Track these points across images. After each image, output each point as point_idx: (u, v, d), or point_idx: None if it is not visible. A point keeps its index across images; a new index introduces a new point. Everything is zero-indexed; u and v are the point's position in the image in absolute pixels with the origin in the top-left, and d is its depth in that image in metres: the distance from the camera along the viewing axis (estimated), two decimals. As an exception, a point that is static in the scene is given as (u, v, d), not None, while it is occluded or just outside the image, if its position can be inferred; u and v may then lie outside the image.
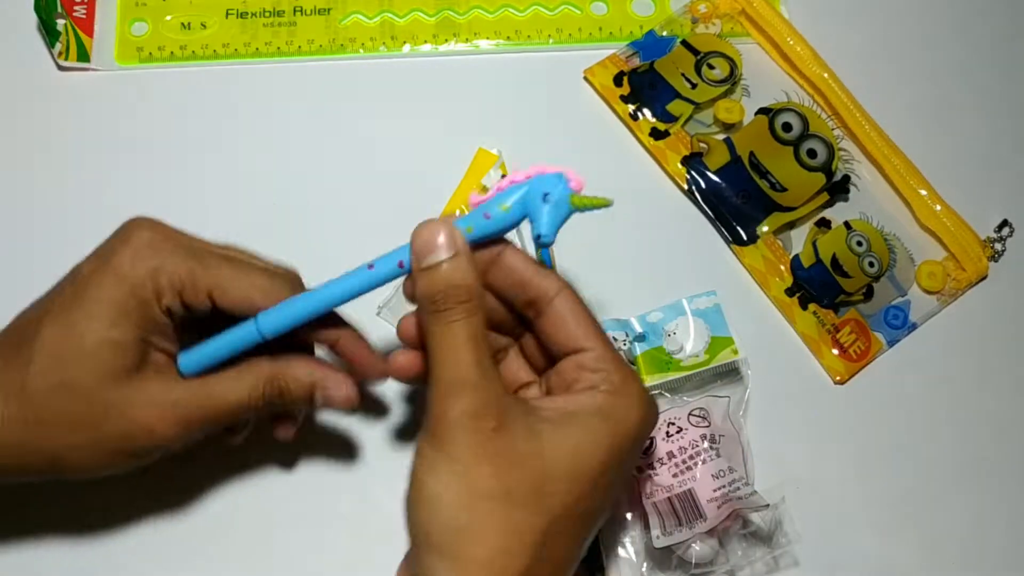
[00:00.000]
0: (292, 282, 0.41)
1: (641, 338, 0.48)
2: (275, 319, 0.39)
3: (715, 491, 0.44)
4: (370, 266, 0.39)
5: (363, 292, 0.39)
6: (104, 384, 0.37)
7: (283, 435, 0.44)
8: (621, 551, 0.46)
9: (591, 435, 0.35)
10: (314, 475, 0.47)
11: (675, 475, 0.45)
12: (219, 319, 0.40)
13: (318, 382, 0.40)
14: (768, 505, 0.43)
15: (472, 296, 0.36)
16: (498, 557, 0.33)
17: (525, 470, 0.34)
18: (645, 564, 0.45)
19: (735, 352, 0.47)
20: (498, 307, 0.40)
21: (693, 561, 0.44)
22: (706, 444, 0.45)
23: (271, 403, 0.40)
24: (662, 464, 0.45)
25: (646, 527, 0.45)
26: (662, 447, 0.45)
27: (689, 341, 0.47)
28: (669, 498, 0.44)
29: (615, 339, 0.47)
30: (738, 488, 0.44)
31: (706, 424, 0.46)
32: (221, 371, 0.39)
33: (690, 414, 0.46)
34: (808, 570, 0.46)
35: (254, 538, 0.46)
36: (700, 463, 0.45)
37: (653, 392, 0.47)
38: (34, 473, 0.38)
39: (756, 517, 0.44)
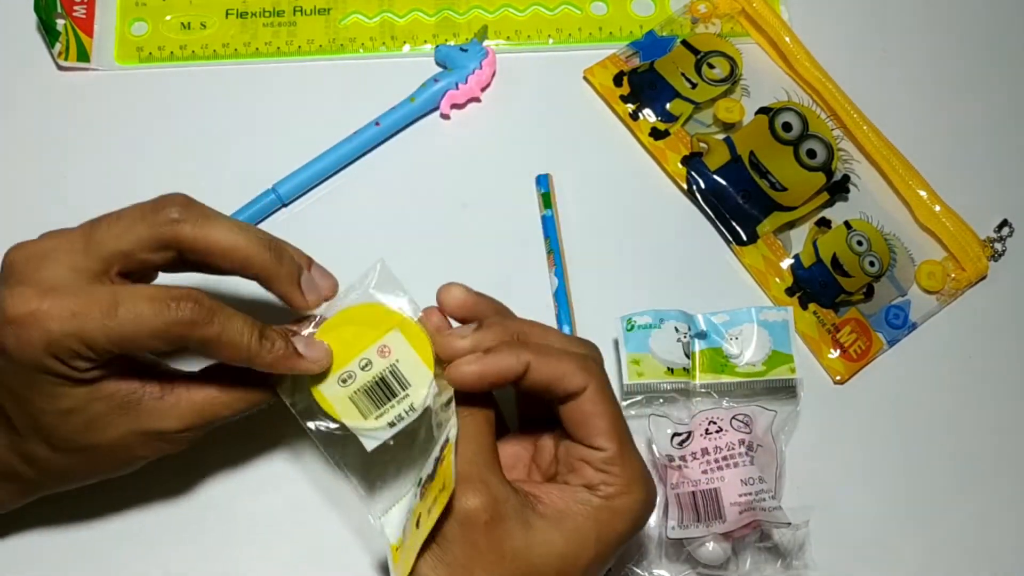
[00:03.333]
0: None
1: (703, 335, 0.48)
2: (291, 185, 0.50)
3: (740, 496, 0.44)
4: (377, 123, 0.51)
5: (369, 147, 0.52)
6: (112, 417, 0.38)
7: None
8: None
9: (582, 539, 0.37)
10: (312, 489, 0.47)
11: (704, 472, 0.45)
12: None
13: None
14: (790, 524, 0.43)
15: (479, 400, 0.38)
16: None
17: (516, 565, 0.36)
18: (654, 550, 0.45)
19: (792, 371, 0.47)
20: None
21: (702, 560, 0.44)
22: (743, 449, 0.45)
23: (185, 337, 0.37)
24: (695, 459, 0.45)
25: (664, 515, 0.45)
26: (699, 442, 0.45)
27: (750, 349, 0.47)
28: (693, 492, 0.44)
29: (677, 330, 0.47)
30: (764, 499, 0.44)
31: (747, 431, 0.45)
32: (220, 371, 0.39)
33: (733, 418, 0.46)
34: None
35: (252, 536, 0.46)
36: (732, 466, 0.44)
37: (702, 391, 0.47)
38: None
39: (776, 533, 0.45)
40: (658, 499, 0.46)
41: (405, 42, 0.57)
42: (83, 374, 0.36)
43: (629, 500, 0.38)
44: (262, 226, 0.51)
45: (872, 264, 0.52)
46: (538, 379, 0.38)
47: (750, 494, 0.44)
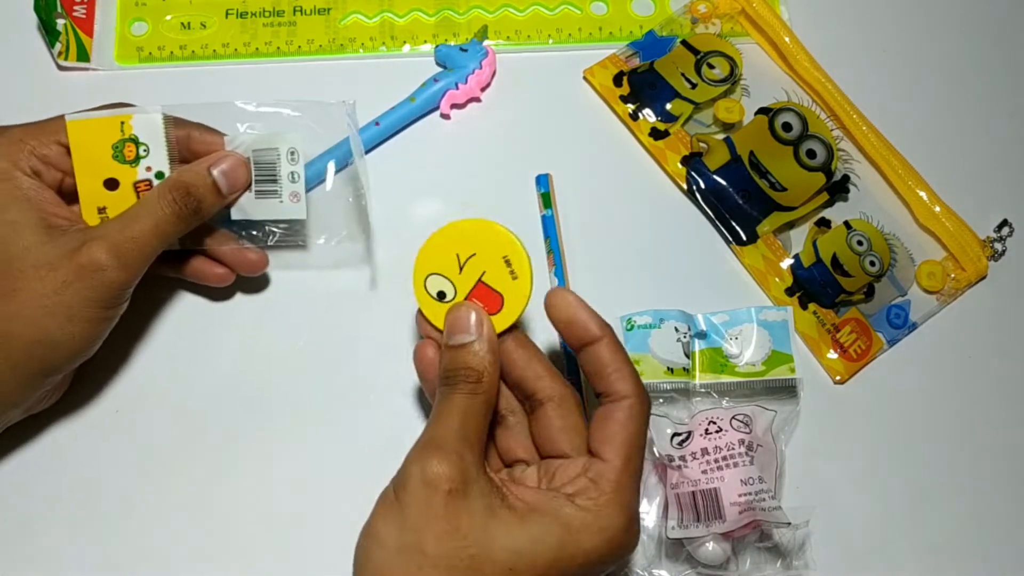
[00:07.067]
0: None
1: (702, 335, 0.48)
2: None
3: (740, 496, 0.44)
4: (377, 123, 0.53)
5: (369, 147, 0.54)
6: (26, 252, 0.40)
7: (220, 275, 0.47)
8: None
9: (544, 540, 0.36)
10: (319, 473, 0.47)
11: (704, 471, 0.45)
12: None
13: (210, 163, 0.43)
14: (790, 524, 0.43)
15: (481, 379, 0.38)
16: None
17: (467, 543, 0.35)
18: (654, 550, 0.45)
19: (792, 371, 0.47)
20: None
21: (702, 560, 0.44)
22: (743, 449, 0.45)
23: (188, 209, 0.42)
24: (695, 459, 0.45)
25: (664, 515, 0.45)
26: (698, 442, 0.45)
27: (750, 349, 0.48)
28: (693, 492, 0.44)
29: (677, 330, 0.47)
30: (763, 499, 0.44)
31: (747, 431, 0.46)
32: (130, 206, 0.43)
33: (733, 418, 0.46)
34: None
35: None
36: (731, 466, 0.45)
37: (702, 390, 0.47)
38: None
39: (776, 533, 0.45)
40: (658, 499, 0.46)
41: (405, 42, 0.57)
42: None
43: (606, 520, 0.37)
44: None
45: (872, 264, 0.52)
46: (602, 356, 0.39)
47: (750, 494, 0.44)
